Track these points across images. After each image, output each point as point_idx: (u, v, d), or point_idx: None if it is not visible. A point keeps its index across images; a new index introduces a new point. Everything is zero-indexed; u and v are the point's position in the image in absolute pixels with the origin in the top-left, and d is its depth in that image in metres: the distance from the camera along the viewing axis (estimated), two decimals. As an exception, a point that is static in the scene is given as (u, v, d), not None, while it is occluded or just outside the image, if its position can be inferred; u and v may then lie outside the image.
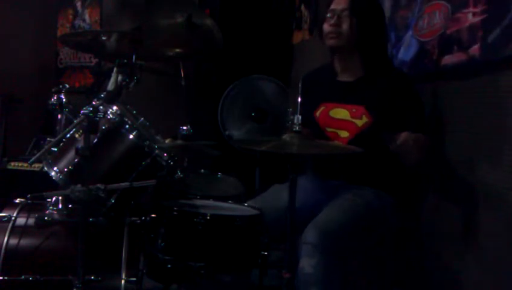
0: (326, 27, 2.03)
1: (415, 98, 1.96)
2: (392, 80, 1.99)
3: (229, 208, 1.87)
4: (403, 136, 1.74)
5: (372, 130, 1.91)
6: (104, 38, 1.82)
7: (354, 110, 1.96)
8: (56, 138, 1.88)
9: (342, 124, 1.99)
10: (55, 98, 1.99)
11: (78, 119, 1.75)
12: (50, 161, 1.90)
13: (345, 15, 1.98)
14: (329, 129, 2.02)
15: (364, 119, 1.93)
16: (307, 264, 1.70)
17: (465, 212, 1.83)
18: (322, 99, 2.07)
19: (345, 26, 1.97)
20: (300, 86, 1.52)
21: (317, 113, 2.05)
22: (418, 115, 1.92)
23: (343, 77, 2.08)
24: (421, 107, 1.95)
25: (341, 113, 2.00)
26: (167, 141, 1.98)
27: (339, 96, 2.03)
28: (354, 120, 1.96)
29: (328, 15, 2.03)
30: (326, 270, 1.69)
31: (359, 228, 1.87)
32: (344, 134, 1.98)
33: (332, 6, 2.03)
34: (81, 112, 1.73)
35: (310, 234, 1.74)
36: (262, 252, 1.65)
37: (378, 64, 2.03)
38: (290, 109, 1.48)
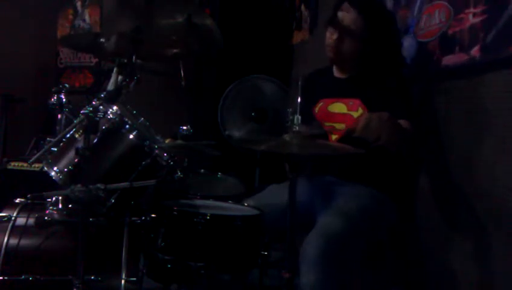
0: (328, 37, 2.03)
1: (401, 87, 1.98)
2: (385, 74, 2.03)
3: (229, 208, 1.87)
4: (363, 115, 1.74)
5: None
6: (103, 40, 1.82)
7: (350, 103, 2.00)
8: (56, 138, 1.88)
9: (339, 117, 2.03)
10: (55, 98, 1.99)
11: (78, 119, 1.75)
12: (50, 161, 1.90)
13: (348, 35, 1.97)
14: (327, 124, 2.06)
15: (360, 111, 1.96)
16: (306, 280, 1.68)
17: (464, 212, 1.83)
18: (321, 96, 2.10)
19: (346, 47, 1.99)
20: (300, 83, 1.52)
21: (316, 109, 2.09)
22: (404, 103, 1.94)
23: (340, 74, 2.14)
24: (407, 95, 1.97)
25: (339, 107, 2.04)
26: (167, 141, 1.98)
27: (337, 92, 2.07)
28: (350, 112, 1.99)
29: (331, 25, 2.01)
30: (325, 284, 1.69)
31: (358, 234, 1.86)
32: (340, 126, 2.02)
33: (339, 16, 1.99)
34: (81, 112, 1.73)
35: (309, 250, 1.72)
36: (262, 252, 1.65)
37: (376, 65, 2.05)
38: (290, 109, 1.48)
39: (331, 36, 2.02)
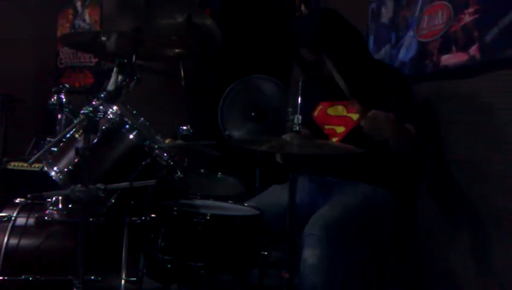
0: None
1: (406, 91, 1.98)
2: (384, 75, 2.03)
3: (229, 208, 1.87)
4: (372, 111, 1.73)
5: None
6: (104, 38, 1.82)
7: (349, 105, 2.00)
8: (56, 138, 1.88)
9: (339, 120, 2.03)
10: (55, 98, 1.99)
11: (78, 119, 1.75)
12: (50, 161, 1.90)
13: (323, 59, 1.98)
14: (327, 126, 2.05)
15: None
16: (310, 254, 1.69)
17: (464, 212, 1.83)
18: (320, 99, 2.10)
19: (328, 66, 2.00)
20: (300, 85, 1.52)
21: (316, 113, 2.08)
22: (409, 107, 1.94)
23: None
24: (412, 100, 1.98)
25: (338, 109, 2.04)
26: (167, 141, 1.98)
27: (335, 94, 2.06)
28: (350, 115, 1.99)
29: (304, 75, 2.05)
30: (330, 260, 1.70)
31: (361, 219, 1.89)
32: (340, 129, 2.01)
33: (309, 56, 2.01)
34: (81, 112, 1.73)
35: (314, 226, 1.74)
36: (262, 252, 1.65)
37: (361, 64, 2.04)
38: (290, 109, 1.49)
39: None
